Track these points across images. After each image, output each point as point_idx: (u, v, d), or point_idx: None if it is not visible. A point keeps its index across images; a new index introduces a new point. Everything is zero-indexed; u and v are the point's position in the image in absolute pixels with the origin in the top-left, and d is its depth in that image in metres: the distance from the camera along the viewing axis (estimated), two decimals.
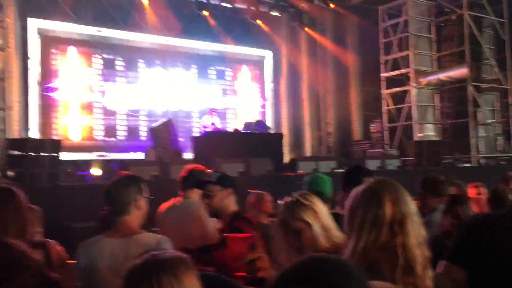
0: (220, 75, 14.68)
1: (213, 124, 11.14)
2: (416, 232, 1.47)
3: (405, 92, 14.64)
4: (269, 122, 14.92)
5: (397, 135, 14.66)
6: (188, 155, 10.97)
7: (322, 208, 1.97)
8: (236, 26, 14.66)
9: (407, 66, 14.43)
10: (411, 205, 1.51)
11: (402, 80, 14.83)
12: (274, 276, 0.95)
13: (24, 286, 1.40)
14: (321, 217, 1.91)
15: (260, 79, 15.59)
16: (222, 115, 14.42)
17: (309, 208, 1.93)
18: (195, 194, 3.24)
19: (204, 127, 11.11)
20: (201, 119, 11.48)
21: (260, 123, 11.93)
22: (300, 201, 1.96)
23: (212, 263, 2.26)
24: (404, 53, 14.53)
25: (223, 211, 2.80)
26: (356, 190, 1.57)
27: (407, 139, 14.44)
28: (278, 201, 2.10)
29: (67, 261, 3.12)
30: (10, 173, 6.75)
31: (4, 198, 2.27)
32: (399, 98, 14.93)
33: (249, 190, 4.51)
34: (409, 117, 14.52)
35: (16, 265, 1.44)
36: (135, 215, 2.42)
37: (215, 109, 11.64)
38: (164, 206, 3.38)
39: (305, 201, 1.96)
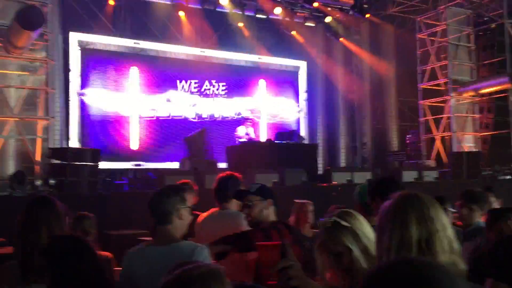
0: (254, 86, 14.77)
1: (247, 134, 11.20)
2: (447, 249, 1.43)
3: (443, 102, 14.34)
4: (303, 132, 14.88)
5: (435, 146, 14.35)
6: (222, 165, 11.05)
7: (363, 228, 1.91)
8: (270, 37, 14.74)
9: (445, 76, 14.15)
10: (439, 221, 1.47)
11: (440, 90, 14.53)
12: (366, 274, 0.90)
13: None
14: (361, 238, 1.85)
15: (295, 90, 15.59)
16: (255, 125, 14.49)
17: (349, 231, 1.89)
18: (234, 205, 3.24)
19: (238, 137, 11.19)
20: (236, 130, 11.56)
21: (294, 134, 11.91)
22: (340, 224, 1.92)
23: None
24: (442, 63, 14.26)
25: (262, 221, 2.81)
26: (383, 208, 1.54)
27: (445, 150, 14.11)
28: (320, 219, 2.07)
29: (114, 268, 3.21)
30: (51, 181, 6.96)
31: (42, 205, 2.37)
32: (437, 109, 14.64)
33: (295, 200, 4.51)
34: (447, 127, 14.20)
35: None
36: (177, 225, 2.44)
37: (250, 119, 11.71)
38: (202, 216, 3.38)
39: (345, 222, 1.91)
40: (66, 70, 11.59)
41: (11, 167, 9.09)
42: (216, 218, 3.27)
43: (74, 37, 11.89)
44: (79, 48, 11.98)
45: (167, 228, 2.41)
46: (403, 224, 1.44)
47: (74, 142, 11.54)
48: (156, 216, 2.44)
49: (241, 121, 11.85)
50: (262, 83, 14.88)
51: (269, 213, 2.85)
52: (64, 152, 7.94)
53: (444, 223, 1.47)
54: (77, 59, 11.92)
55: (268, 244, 1.97)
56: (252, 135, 11.31)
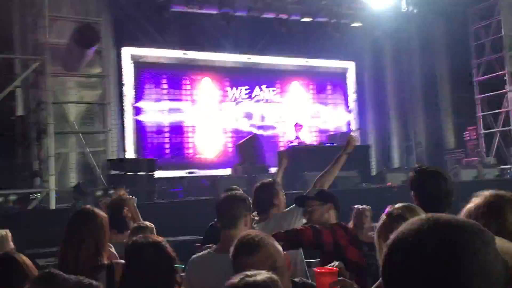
0: (303, 89, 14.74)
1: (297, 138, 11.18)
2: None
3: (502, 96, 13.72)
4: (355, 133, 14.66)
5: (495, 142, 13.73)
6: (274, 169, 11.08)
7: None
8: (317, 40, 14.66)
9: (502, 69, 13.54)
10: None
11: (498, 83, 13.91)
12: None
13: None
14: None
15: (344, 91, 15.42)
16: (306, 128, 14.44)
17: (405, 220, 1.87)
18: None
19: (289, 141, 11.18)
20: (287, 134, 11.57)
21: (345, 135, 11.78)
22: (401, 215, 1.90)
23: None
24: (498, 55, 13.66)
25: (324, 225, 2.80)
26: (472, 206, 1.51)
27: (506, 146, 13.47)
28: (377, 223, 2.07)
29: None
30: (110, 192, 7.24)
31: (83, 219, 2.49)
32: (495, 103, 14.01)
33: (353, 206, 4.48)
34: (507, 122, 13.56)
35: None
36: (242, 231, 2.41)
37: (300, 123, 11.69)
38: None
39: (406, 214, 1.90)
40: (120, 84, 12.04)
41: (73, 179, 9.54)
42: (270, 222, 3.30)
43: (127, 52, 12.34)
44: (132, 62, 12.41)
45: (233, 233, 2.38)
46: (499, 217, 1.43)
47: (130, 153, 11.94)
48: (223, 220, 2.50)
49: (292, 125, 11.84)
50: (310, 86, 14.82)
51: (330, 216, 2.86)
52: (121, 163, 8.26)
53: None
54: (130, 73, 12.36)
55: (325, 271, 1.99)
56: (303, 139, 11.29)
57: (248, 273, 1.38)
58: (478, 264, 0.78)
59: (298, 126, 11.42)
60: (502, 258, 0.81)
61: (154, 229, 3.78)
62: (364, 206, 4.36)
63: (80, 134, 9.54)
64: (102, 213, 2.61)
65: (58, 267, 2.40)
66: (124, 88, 12.14)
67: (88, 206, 2.73)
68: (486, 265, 0.78)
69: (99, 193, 7.31)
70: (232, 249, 1.83)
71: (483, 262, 0.78)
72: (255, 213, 3.10)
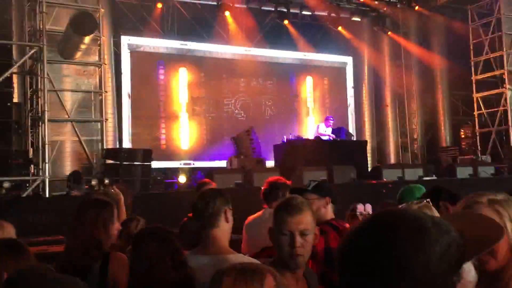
0: (301, 83, 14.70)
1: (325, 132, 10.98)
2: None
3: (499, 95, 13.73)
4: (351, 129, 14.67)
5: (491, 140, 13.77)
6: (270, 163, 11.07)
7: None
8: (316, 34, 14.63)
9: (501, 67, 13.54)
10: None
11: (495, 82, 13.92)
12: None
13: None
14: None
15: (342, 86, 15.39)
16: (303, 122, 14.43)
17: None
18: None
19: (321, 135, 11.02)
20: (318, 127, 11.39)
21: (342, 130, 11.76)
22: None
23: None
24: (497, 54, 13.66)
25: (320, 220, 2.69)
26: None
27: (502, 144, 13.51)
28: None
29: None
30: (106, 181, 7.22)
31: (92, 207, 2.46)
32: (492, 102, 14.04)
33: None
34: (503, 121, 13.59)
35: None
36: (224, 228, 2.33)
37: (332, 117, 11.51)
38: (250, 218, 3.38)
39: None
40: (118, 72, 11.97)
41: (68, 167, 9.49)
42: (268, 219, 3.26)
43: (125, 40, 12.25)
44: (129, 50, 12.33)
45: (215, 233, 2.29)
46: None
47: (126, 142, 11.90)
48: (202, 220, 2.32)
49: (324, 119, 11.67)
50: (308, 80, 14.79)
51: (327, 211, 2.78)
52: (117, 153, 8.22)
53: None
54: (127, 62, 12.27)
55: None
56: (329, 133, 11.11)
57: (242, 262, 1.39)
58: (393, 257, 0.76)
59: (330, 120, 11.26)
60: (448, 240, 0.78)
61: (143, 222, 3.70)
62: (358, 204, 4.27)
63: (76, 123, 9.49)
64: (111, 201, 2.59)
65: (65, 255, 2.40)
66: (122, 77, 12.07)
67: (99, 196, 2.70)
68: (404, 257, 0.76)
69: (94, 182, 7.28)
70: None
71: (402, 254, 0.76)
72: None
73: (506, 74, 13.32)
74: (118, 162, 7.76)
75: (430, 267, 0.76)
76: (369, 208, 4.34)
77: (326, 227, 2.69)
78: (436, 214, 1.98)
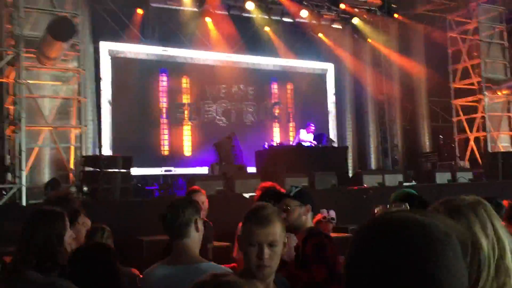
0: (282, 90, 14.74)
1: (306, 139, 11.00)
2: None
3: (477, 101, 13.98)
4: (333, 135, 14.75)
5: (469, 146, 13.99)
6: (251, 169, 11.05)
7: None
8: (297, 40, 14.71)
9: (478, 75, 13.80)
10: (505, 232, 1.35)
11: (473, 89, 14.18)
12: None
13: None
14: None
15: (323, 92, 15.49)
16: (284, 129, 14.46)
17: None
18: None
19: (302, 141, 11.02)
20: (299, 133, 11.39)
21: (324, 137, 11.81)
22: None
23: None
24: (474, 61, 13.91)
25: (300, 227, 2.70)
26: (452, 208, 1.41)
27: (479, 150, 13.74)
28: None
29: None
30: (85, 188, 7.11)
31: (42, 219, 2.37)
32: (470, 108, 14.27)
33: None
34: (481, 127, 13.83)
35: None
36: (195, 238, 2.30)
37: (313, 124, 11.53)
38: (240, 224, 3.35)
39: None
40: (98, 79, 11.84)
41: (46, 175, 9.32)
42: None
43: (105, 46, 12.14)
44: (110, 57, 12.22)
45: (185, 243, 2.25)
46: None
47: (106, 149, 11.75)
48: (172, 230, 2.27)
49: (305, 125, 11.66)
50: (290, 86, 14.84)
51: (307, 219, 2.74)
52: (96, 160, 8.10)
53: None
54: (107, 68, 12.16)
55: None
56: (310, 140, 11.11)
57: (218, 273, 1.35)
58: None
59: (311, 126, 11.27)
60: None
61: (109, 231, 3.60)
62: (323, 211, 4.27)
63: (54, 129, 9.33)
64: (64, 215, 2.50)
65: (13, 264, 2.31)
66: (101, 83, 11.95)
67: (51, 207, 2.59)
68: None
69: (72, 190, 7.15)
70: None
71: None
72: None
73: (483, 81, 13.57)
74: (98, 169, 7.65)
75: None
76: (332, 213, 4.38)
77: (319, 239, 2.64)
78: None
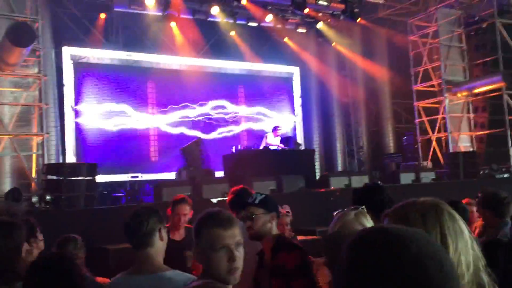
0: (248, 93, 14.78)
1: (273, 142, 10.99)
2: (470, 253, 1.30)
3: (438, 103, 14.37)
4: (300, 138, 14.87)
5: (431, 147, 14.36)
6: (219, 173, 11.02)
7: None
8: (263, 45, 14.80)
9: (439, 77, 14.19)
10: (464, 231, 1.34)
11: (434, 91, 14.58)
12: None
13: None
14: None
15: (289, 96, 15.61)
16: (251, 132, 14.49)
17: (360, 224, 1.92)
18: None
19: (269, 144, 11.01)
20: (266, 137, 11.36)
21: (291, 140, 11.88)
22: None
23: None
24: (435, 64, 14.31)
25: (265, 235, 2.68)
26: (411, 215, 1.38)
27: (441, 151, 14.13)
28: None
29: None
30: (48, 197, 6.92)
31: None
32: (432, 110, 14.67)
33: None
34: (442, 128, 14.23)
35: None
36: (159, 248, 2.27)
37: (279, 127, 11.51)
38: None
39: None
40: (60, 85, 11.57)
41: (7, 184, 9.04)
42: None
43: (67, 52, 11.88)
44: (72, 62, 11.97)
45: (149, 253, 2.21)
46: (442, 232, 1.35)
47: (70, 156, 11.49)
48: (135, 239, 2.23)
49: (272, 129, 11.62)
50: (256, 90, 14.89)
51: (273, 226, 2.70)
52: (59, 168, 7.90)
53: (465, 231, 1.35)
54: (70, 74, 11.90)
55: None
56: (278, 143, 11.10)
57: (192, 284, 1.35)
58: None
59: (278, 129, 11.27)
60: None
61: (81, 241, 3.53)
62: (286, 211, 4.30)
63: (15, 137, 9.07)
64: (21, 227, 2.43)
65: None
66: (64, 89, 11.68)
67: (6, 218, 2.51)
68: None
69: (34, 199, 6.96)
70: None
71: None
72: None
73: (443, 83, 13.97)
74: (61, 178, 7.46)
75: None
76: (287, 207, 4.44)
77: (285, 252, 2.60)
78: (370, 221, 2.02)
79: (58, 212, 6.71)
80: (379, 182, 2.89)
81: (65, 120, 11.59)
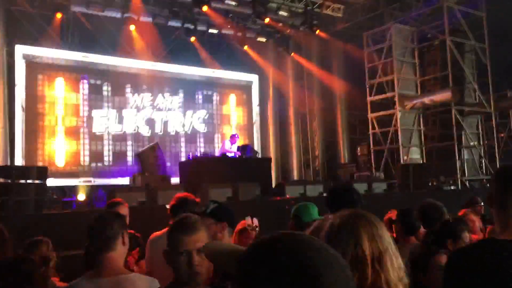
0: (207, 100, 14.75)
1: (230, 149, 10.96)
2: (395, 266, 1.46)
3: (391, 115, 14.81)
4: (257, 146, 14.96)
5: (383, 158, 14.77)
6: (175, 180, 10.92)
7: None
8: (223, 52, 14.83)
9: (392, 90, 14.64)
10: (387, 239, 1.48)
11: (388, 104, 15.02)
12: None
13: None
14: None
15: (247, 104, 15.69)
16: (209, 139, 14.45)
17: None
18: None
19: (227, 151, 10.95)
20: (224, 144, 11.29)
21: (248, 148, 11.93)
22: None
23: None
24: (389, 78, 14.75)
25: None
26: (329, 227, 1.50)
27: (393, 162, 14.54)
28: None
29: None
30: None
31: None
32: (386, 122, 15.09)
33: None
34: (394, 140, 14.66)
35: None
36: (121, 252, 2.29)
37: (237, 135, 11.50)
38: (155, 235, 3.30)
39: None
40: (12, 84, 11.17)
41: None
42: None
43: (20, 50, 11.49)
44: (25, 61, 11.58)
45: (112, 256, 2.23)
46: (356, 242, 1.45)
47: (18, 159, 11.09)
48: (98, 243, 2.25)
49: (230, 136, 11.57)
50: (215, 97, 14.89)
51: (224, 236, 2.70)
52: (8, 170, 7.61)
53: (390, 242, 1.50)
54: (22, 73, 11.51)
55: None
56: (235, 150, 11.08)
57: None
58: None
59: (236, 137, 11.25)
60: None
61: (50, 243, 3.45)
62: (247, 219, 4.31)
63: None
64: None
65: None
66: (15, 89, 11.28)
67: None
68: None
69: None
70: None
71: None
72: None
73: (396, 96, 14.42)
74: (9, 181, 7.18)
75: None
76: (256, 221, 4.44)
77: None
78: None
79: (6, 216, 6.45)
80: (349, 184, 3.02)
81: (15, 121, 11.19)
